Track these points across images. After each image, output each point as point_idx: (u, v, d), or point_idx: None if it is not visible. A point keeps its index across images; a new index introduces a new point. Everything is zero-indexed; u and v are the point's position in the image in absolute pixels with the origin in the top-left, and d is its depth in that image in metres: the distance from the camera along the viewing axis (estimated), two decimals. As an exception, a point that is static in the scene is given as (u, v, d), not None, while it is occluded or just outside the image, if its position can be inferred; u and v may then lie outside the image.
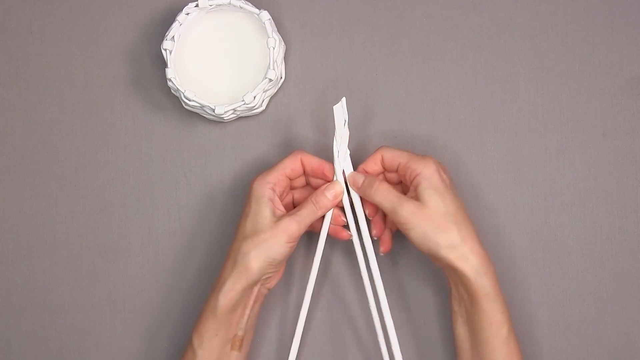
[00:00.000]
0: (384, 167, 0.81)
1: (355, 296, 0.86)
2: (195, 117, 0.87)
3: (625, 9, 0.87)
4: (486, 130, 0.87)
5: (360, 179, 0.80)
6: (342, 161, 0.81)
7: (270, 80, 0.83)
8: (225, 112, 0.83)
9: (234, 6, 0.84)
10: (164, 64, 0.86)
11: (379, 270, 0.81)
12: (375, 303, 0.81)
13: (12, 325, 0.87)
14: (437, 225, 0.76)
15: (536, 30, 0.87)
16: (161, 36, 0.86)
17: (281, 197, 0.81)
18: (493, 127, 0.87)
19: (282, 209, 0.80)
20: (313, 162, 0.81)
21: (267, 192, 0.79)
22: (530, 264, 0.86)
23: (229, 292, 0.78)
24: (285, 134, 0.87)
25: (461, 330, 0.79)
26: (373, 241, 0.81)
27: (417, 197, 0.77)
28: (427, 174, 0.77)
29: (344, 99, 0.80)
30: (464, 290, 0.78)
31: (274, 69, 0.83)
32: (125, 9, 0.88)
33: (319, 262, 0.81)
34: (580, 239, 0.86)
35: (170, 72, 0.83)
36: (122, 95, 0.88)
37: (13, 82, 0.88)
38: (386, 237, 0.83)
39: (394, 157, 0.80)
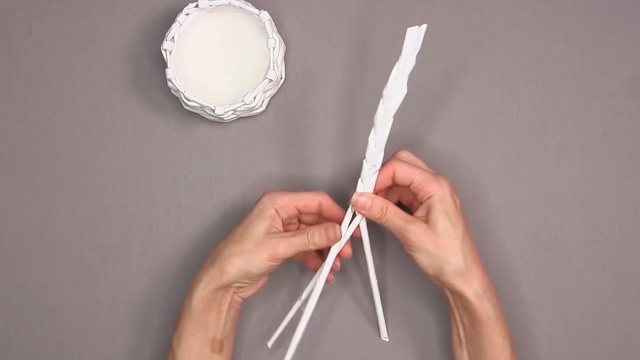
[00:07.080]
0: (394, 181, 0.79)
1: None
2: (196, 117, 0.87)
3: (625, 9, 0.87)
4: (486, 130, 0.87)
5: (367, 204, 0.78)
6: (393, 92, 0.75)
7: (270, 80, 0.82)
8: (226, 112, 0.83)
9: (234, 6, 0.84)
10: (164, 65, 0.86)
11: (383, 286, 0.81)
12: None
13: (12, 325, 0.87)
14: (444, 249, 0.76)
15: (536, 30, 0.87)
16: (161, 36, 0.86)
17: (284, 222, 0.80)
18: (493, 127, 0.87)
19: (281, 229, 0.79)
20: (333, 210, 0.80)
21: (271, 211, 0.78)
22: (530, 264, 0.86)
23: (202, 290, 0.78)
24: (285, 134, 0.87)
25: (462, 355, 0.79)
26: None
27: (426, 218, 0.77)
28: (441, 197, 0.77)
29: (424, 25, 0.74)
30: (465, 314, 0.78)
31: (274, 70, 0.83)
32: (125, 9, 0.88)
33: (316, 298, 0.81)
34: (580, 239, 0.86)
35: (170, 73, 0.83)
36: (122, 95, 0.88)
37: (13, 82, 0.88)
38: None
39: (407, 174, 0.78)
